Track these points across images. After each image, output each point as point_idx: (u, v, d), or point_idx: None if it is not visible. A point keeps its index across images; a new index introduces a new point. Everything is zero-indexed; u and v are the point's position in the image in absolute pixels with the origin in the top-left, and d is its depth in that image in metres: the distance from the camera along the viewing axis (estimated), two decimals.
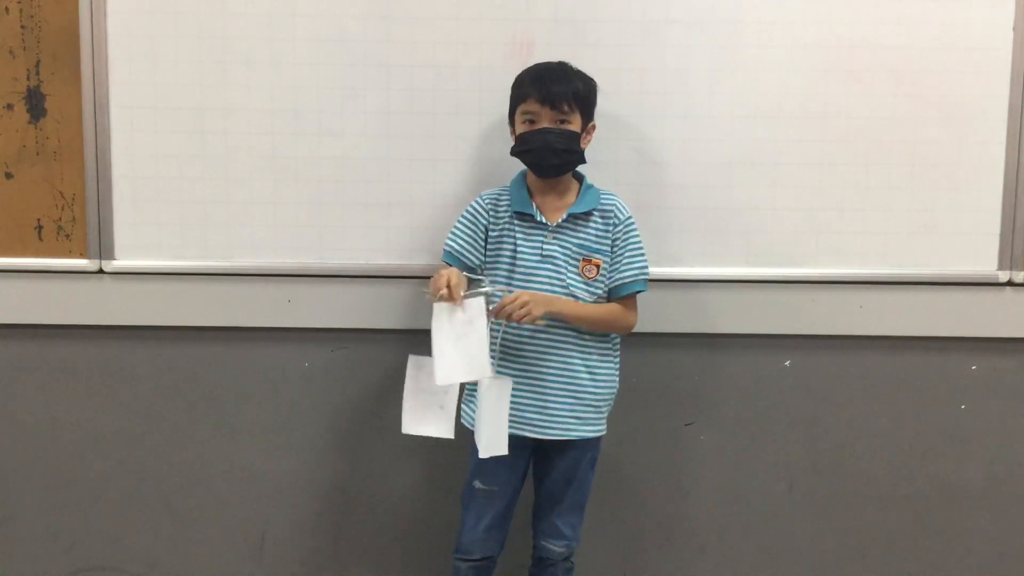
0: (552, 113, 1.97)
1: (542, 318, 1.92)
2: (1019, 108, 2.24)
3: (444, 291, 1.85)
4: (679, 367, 2.35)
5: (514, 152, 2.02)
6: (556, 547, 2.10)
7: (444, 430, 1.95)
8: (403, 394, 1.96)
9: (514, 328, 1.99)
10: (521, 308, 1.88)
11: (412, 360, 1.95)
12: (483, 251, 2.06)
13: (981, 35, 2.22)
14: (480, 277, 1.98)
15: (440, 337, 1.87)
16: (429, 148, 2.24)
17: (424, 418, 1.95)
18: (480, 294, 1.88)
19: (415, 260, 2.26)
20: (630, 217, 2.07)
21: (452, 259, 2.04)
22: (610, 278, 2.05)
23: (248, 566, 2.42)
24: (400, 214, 2.26)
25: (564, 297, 2.00)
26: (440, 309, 1.87)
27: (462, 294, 1.87)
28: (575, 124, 1.99)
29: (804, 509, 2.41)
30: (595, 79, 2.07)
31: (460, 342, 1.86)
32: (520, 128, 2.01)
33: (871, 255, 2.28)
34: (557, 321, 1.99)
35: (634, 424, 2.36)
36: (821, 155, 2.25)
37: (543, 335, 1.99)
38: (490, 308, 1.89)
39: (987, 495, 2.40)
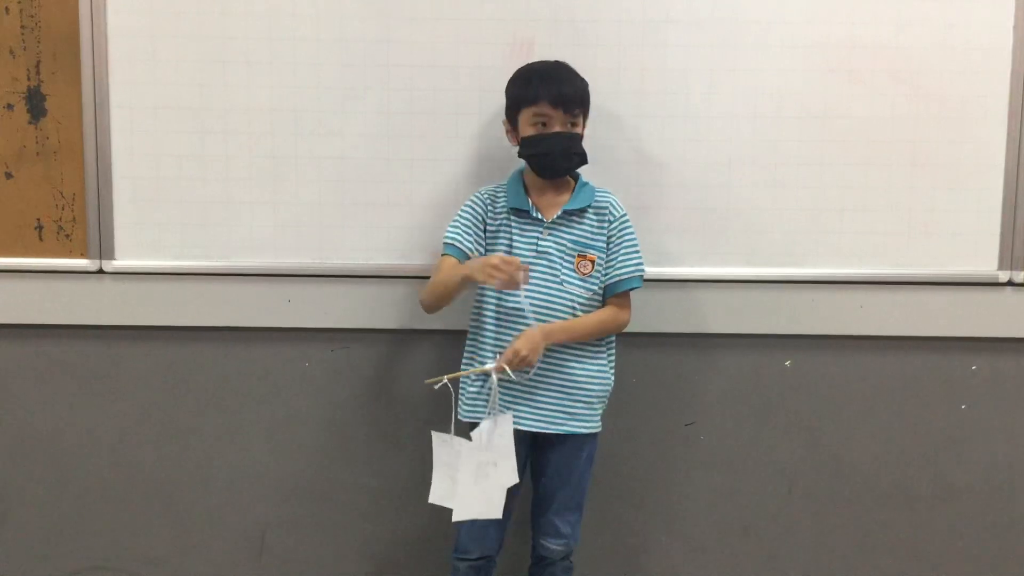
0: (565, 116, 1.98)
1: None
2: (1019, 108, 2.24)
3: (512, 274, 1.84)
4: (679, 367, 2.35)
5: (523, 154, 2.03)
6: (555, 546, 2.10)
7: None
8: (432, 467, 1.97)
9: (511, 327, 2.01)
10: (521, 362, 1.92)
11: (436, 437, 1.97)
12: (483, 243, 2.06)
13: (981, 35, 2.22)
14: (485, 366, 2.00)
15: (463, 475, 1.94)
16: (429, 148, 2.24)
17: (452, 491, 1.97)
18: (486, 372, 1.95)
19: (415, 260, 2.26)
20: (625, 215, 2.08)
21: (454, 250, 2.04)
22: (606, 275, 2.06)
23: (248, 566, 2.42)
24: (400, 214, 2.27)
25: (555, 324, 2.00)
26: (469, 449, 1.93)
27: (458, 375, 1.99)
28: (580, 125, 2.01)
29: (804, 509, 2.41)
30: (595, 79, 2.08)
31: (480, 482, 1.93)
32: (529, 129, 2.00)
33: (871, 255, 2.29)
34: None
35: (634, 424, 2.36)
36: (821, 155, 2.25)
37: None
38: (495, 365, 1.94)
39: (987, 495, 2.40)
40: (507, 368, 1.92)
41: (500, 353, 2.00)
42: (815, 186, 2.26)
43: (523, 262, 2.02)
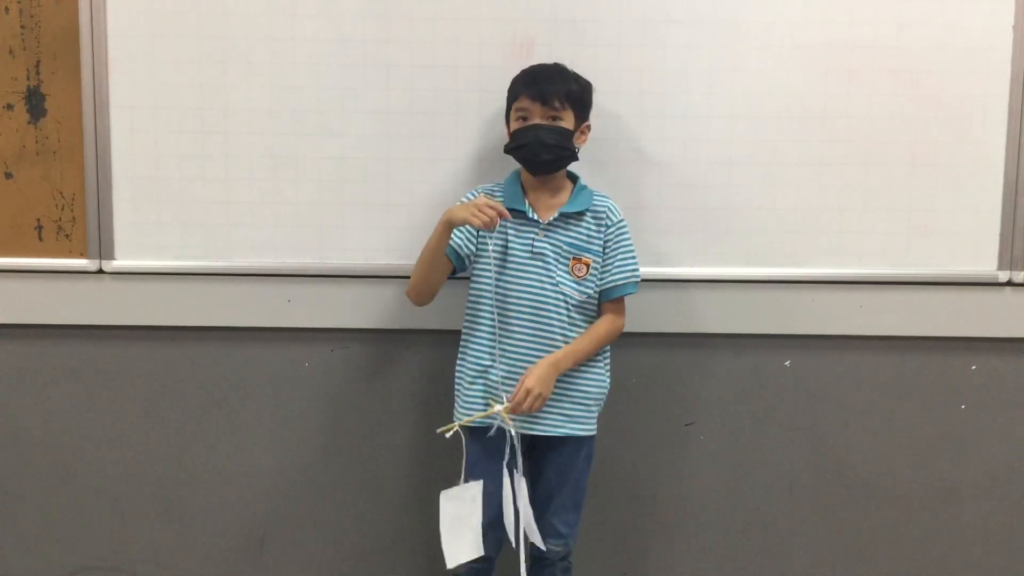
0: (544, 109, 1.98)
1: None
2: (1019, 108, 2.24)
3: (493, 218, 1.89)
4: (679, 367, 2.35)
5: (507, 149, 2.03)
6: (553, 546, 2.10)
7: (478, 548, 1.98)
8: (440, 532, 1.97)
9: (506, 327, 2.01)
10: (535, 400, 1.93)
11: (444, 496, 1.98)
12: (475, 243, 2.06)
13: (981, 35, 2.22)
14: (494, 402, 2.00)
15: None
16: (429, 148, 2.24)
17: (462, 546, 1.98)
18: (495, 416, 1.95)
19: (414, 260, 2.25)
20: (622, 220, 2.08)
21: (448, 248, 2.04)
22: (602, 279, 2.06)
23: (248, 566, 2.42)
24: (400, 214, 2.27)
25: (563, 351, 2.00)
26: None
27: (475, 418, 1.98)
28: (567, 122, 2.00)
29: (804, 509, 2.41)
30: (595, 79, 2.08)
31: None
32: (514, 125, 2.02)
33: (871, 255, 2.29)
34: (550, 329, 2.01)
35: (634, 424, 2.36)
36: (821, 155, 2.25)
37: (534, 340, 2.01)
38: (504, 407, 1.94)
39: (987, 495, 2.41)
40: (521, 409, 1.94)
41: (496, 356, 2.00)
42: (815, 186, 2.26)
43: (518, 263, 2.03)
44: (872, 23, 2.22)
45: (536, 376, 1.95)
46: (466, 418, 2.00)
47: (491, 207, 1.91)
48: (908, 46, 2.22)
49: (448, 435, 1.94)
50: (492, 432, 1.97)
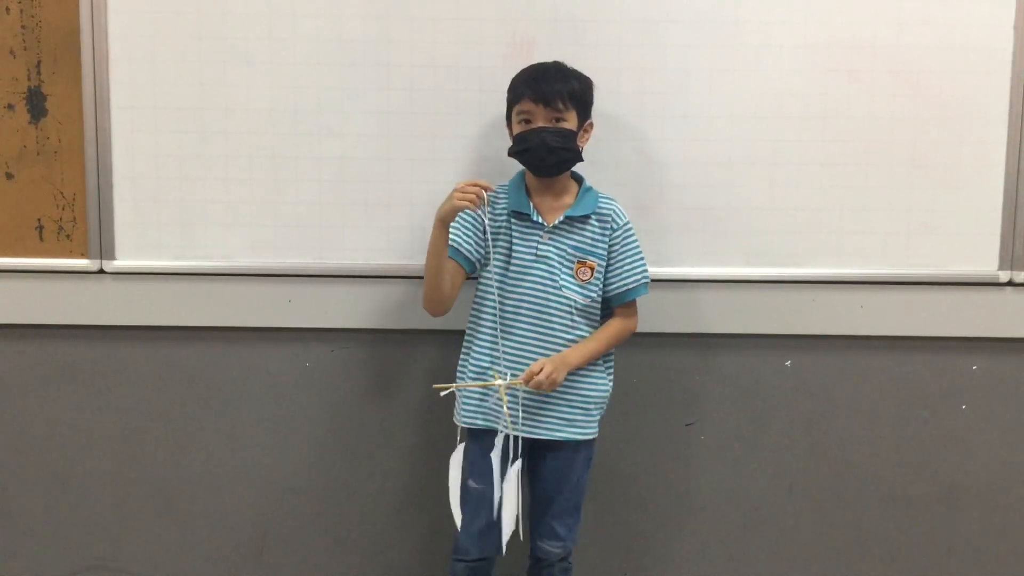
0: (547, 112, 1.97)
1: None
2: (1019, 108, 2.24)
3: (477, 192, 1.88)
4: (679, 367, 2.35)
5: (511, 152, 2.02)
6: (552, 548, 2.10)
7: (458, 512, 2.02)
8: (450, 495, 2.01)
9: (507, 328, 2.01)
10: (548, 375, 1.91)
11: (452, 459, 2.00)
12: (483, 245, 2.05)
13: (981, 35, 2.22)
14: (493, 376, 1.99)
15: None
16: (429, 148, 2.24)
17: (456, 507, 2.01)
18: (496, 386, 1.94)
19: (415, 260, 2.25)
20: (628, 223, 2.08)
21: (455, 253, 2.03)
22: (612, 284, 2.06)
23: (248, 566, 2.42)
24: (400, 214, 2.27)
25: (573, 350, 2.01)
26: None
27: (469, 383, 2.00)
28: (570, 122, 1.99)
29: (804, 509, 2.41)
30: (595, 79, 2.07)
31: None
32: (516, 128, 2.01)
33: (871, 255, 2.28)
34: (552, 333, 2.01)
35: (634, 424, 2.36)
36: (821, 155, 2.25)
37: (537, 343, 2.01)
38: (510, 381, 1.95)
39: (987, 495, 2.40)
40: (535, 381, 1.93)
41: (494, 357, 2.01)
42: (815, 186, 2.26)
43: (522, 265, 2.02)
44: (872, 23, 2.22)
45: (550, 360, 1.95)
46: (465, 386, 2.01)
47: (472, 184, 1.90)
48: (908, 46, 2.22)
49: (443, 394, 1.92)
50: (488, 399, 1.99)
